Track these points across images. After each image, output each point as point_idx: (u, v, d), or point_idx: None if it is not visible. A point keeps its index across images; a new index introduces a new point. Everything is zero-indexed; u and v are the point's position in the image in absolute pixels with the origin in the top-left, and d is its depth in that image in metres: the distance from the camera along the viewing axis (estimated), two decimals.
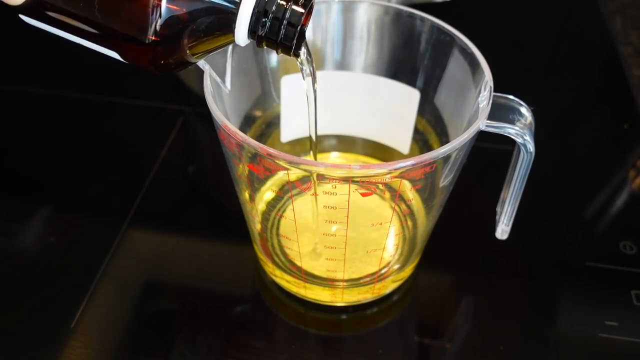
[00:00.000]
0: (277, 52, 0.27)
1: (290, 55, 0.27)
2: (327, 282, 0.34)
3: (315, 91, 0.31)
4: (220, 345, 0.34)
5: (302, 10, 0.25)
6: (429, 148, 0.37)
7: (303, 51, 0.28)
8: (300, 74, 0.35)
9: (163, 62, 0.24)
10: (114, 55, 0.25)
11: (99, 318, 0.35)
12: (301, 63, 0.29)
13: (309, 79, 0.30)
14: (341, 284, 0.34)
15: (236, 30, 0.25)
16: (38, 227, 0.40)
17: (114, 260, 0.38)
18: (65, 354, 0.33)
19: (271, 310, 0.36)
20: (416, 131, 0.37)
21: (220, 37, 0.25)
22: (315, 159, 0.35)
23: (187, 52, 0.25)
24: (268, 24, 0.25)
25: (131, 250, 0.39)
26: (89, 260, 0.38)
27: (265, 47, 0.26)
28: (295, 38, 0.26)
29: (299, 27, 0.25)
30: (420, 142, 0.38)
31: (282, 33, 0.25)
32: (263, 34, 0.25)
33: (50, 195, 0.43)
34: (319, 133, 0.40)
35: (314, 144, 0.34)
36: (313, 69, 0.30)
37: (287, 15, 0.25)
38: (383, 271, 0.35)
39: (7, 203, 0.43)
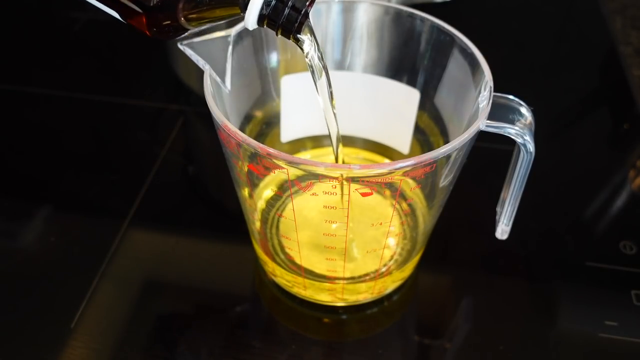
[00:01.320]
0: (276, 34, 0.27)
1: (289, 39, 0.27)
2: (327, 280, 0.34)
3: (329, 87, 0.31)
4: (220, 345, 0.34)
5: None
6: (430, 148, 0.37)
7: (310, 41, 0.28)
8: (300, 74, 0.35)
9: (162, 26, 0.24)
10: (114, 14, 0.25)
11: (99, 318, 0.35)
12: (307, 55, 0.29)
13: (318, 73, 0.30)
14: (341, 281, 0.34)
15: (249, 7, 0.25)
16: (38, 227, 0.40)
17: (114, 260, 0.38)
18: (65, 354, 0.33)
19: (271, 310, 0.36)
20: (416, 131, 0.37)
21: (224, 10, 0.26)
22: (337, 160, 0.35)
23: (188, 19, 0.25)
24: (272, 4, 0.26)
25: (131, 250, 0.39)
26: (89, 260, 0.38)
27: (265, 26, 0.27)
28: (297, 22, 0.26)
29: (302, 12, 0.26)
30: (421, 142, 0.38)
31: (284, 16, 0.26)
32: (266, 13, 0.26)
33: (50, 195, 0.43)
34: (319, 133, 0.41)
35: (336, 147, 0.33)
36: (323, 62, 0.30)
37: (292, 0, 0.26)
38: (383, 270, 0.35)
39: (8, 203, 0.43)
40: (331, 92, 0.31)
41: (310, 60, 0.29)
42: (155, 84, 0.53)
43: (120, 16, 0.25)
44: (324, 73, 0.30)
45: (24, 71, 0.54)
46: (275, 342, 0.34)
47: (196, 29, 0.27)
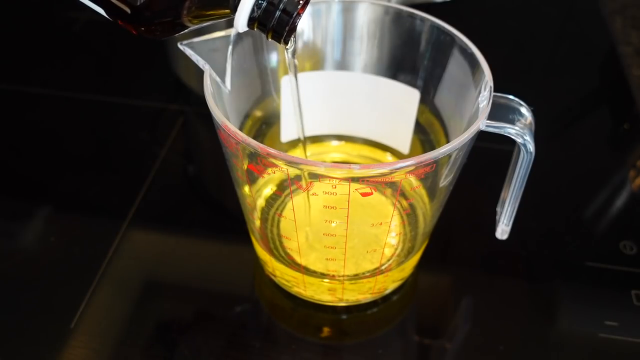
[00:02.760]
0: (266, 38, 0.27)
1: (280, 43, 0.27)
2: (327, 278, 0.34)
3: (296, 85, 0.31)
4: (220, 345, 0.34)
5: (299, 1, 0.25)
6: (430, 148, 0.37)
7: (291, 44, 0.28)
8: (300, 74, 0.35)
9: (150, 25, 0.24)
10: (100, 10, 0.24)
11: (99, 318, 0.35)
12: (287, 55, 0.29)
13: (292, 70, 0.30)
14: (341, 279, 0.34)
15: (239, 9, 0.25)
16: (38, 227, 0.40)
17: (114, 260, 0.38)
18: (65, 354, 0.33)
19: (271, 310, 0.36)
20: (416, 131, 0.37)
21: (215, 12, 0.25)
22: (305, 151, 0.35)
23: (176, 19, 0.24)
24: (263, 6, 0.25)
25: (131, 250, 0.39)
26: (89, 260, 0.38)
27: (255, 29, 0.26)
28: (288, 27, 0.26)
29: (293, 16, 0.25)
30: (421, 142, 0.38)
31: (274, 19, 0.25)
32: (256, 16, 0.25)
33: (50, 195, 0.43)
34: (319, 133, 0.41)
35: (303, 140, 0.34)
36: (294, 61, 0.30)
37: (283, 2, 0.25)
38: (383, 268, 0.35)
39: (7, 203, 0.43)
40: (297, 90, 0.31)
41: (288, 60, 0.29)
42: (155, 84, 0.53)
43: (107, 13, 0.24)
44: (293, 74, 0.31)
45: (24, 71, 0.54)
46: (275, 343, 0.34)
47: (186, 30, 0.26)
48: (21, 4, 0.61)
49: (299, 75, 0.37)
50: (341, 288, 0.35)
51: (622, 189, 0.44)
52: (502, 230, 0.35)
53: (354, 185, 0.27)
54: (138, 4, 0.23)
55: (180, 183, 0.45)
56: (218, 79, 0.30)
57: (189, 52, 0.29)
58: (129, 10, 0.23)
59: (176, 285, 0.37)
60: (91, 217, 0.41)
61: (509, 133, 0.29)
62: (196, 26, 0.26)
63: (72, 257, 0.38)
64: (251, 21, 0.26)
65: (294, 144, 0.40)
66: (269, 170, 0.28)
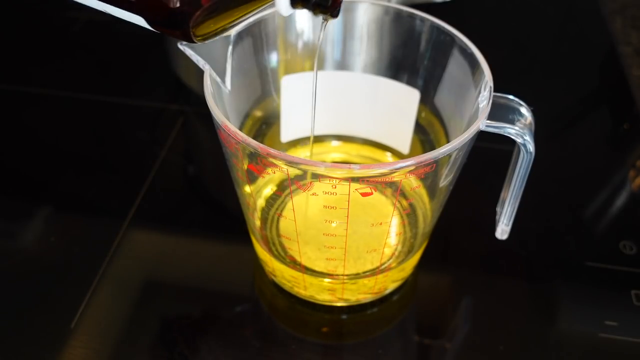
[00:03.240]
0: (313, 14, 0.27)
1: (328, 16, 0.27)
2: (327, 276, 0.34)
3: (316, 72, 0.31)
4: (220, 345, 0.34)
5: None
6: (430, 148, 0.37)
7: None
8: (300, 74, 0.35)
9: (196, 28, 0.23)
10: (139, 21, 0.24)
11: (99, 318, 0.35)
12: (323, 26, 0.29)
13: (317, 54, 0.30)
14: (341, 278, 0.34)
15: None
16: (38, 227, 0.40)
17: (114, 260, 0.38)
18: (65, 354, 0.33)
19: (271, 310, 0.36)
20: (416, 131, 0.37)
21: (259, 1, 0.25)
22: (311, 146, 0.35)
23: (222, 17, 0.24)
24: None
25: (131, 250, 0.39)
26: (89, 260, 0.38)
27: (300, 8, 0.26)
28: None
29: None
30: (421, 142, 0.38)
31: None
32: None
33: (50, 195, 0.43)
34: (319, 132, 0.41)
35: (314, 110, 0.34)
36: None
37: None
38: (383, 267, 0.35)
39: (7, 203, 0.42)
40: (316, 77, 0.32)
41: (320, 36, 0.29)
42: (155, 84, 0.53)
43: (148, 22, 0.23)
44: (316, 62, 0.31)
45: (23, 71, 0.54)
46: (275, 342, 0.34)
47: (232, 28, 0.26)
48: (21, 4, 0.61)
49: (299, 75, 0.37)
50: (341, 288, 0.35)
51: (622, 189, 0.44)
52: (502, 230, 0.35)
53: (354, 185, 0.27)
54: (177, 4, 0.22)
55: (180, 183, 0.45)
56: (218, 79, 0.30)
57: (189, 52, 0.29)
58: (172, 16, 0.22)
59: (176, 285, 0.37)
60: (91, 217, 0.41)
61: (509, 133, 0.29)
62: (241, 21, 0.26)
63: (72, 257, 0.38)
64: (293, 1, 0.25)
65: (294, 143, 0.40)
66: (269, 170, 0.28)
